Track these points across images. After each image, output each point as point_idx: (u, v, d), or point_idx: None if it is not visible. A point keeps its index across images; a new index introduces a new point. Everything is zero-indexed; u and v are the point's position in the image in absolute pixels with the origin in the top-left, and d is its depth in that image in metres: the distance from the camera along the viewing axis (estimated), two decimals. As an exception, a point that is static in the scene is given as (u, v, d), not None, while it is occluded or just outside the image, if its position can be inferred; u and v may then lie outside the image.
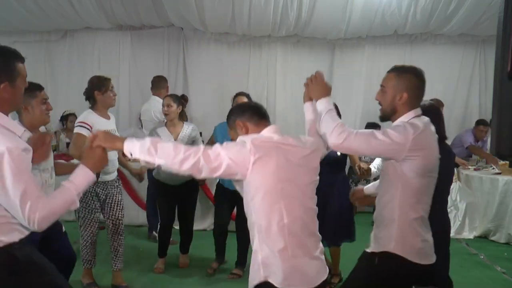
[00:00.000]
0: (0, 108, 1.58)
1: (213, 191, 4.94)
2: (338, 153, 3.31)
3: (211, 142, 3.93)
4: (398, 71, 2.02)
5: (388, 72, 2.04)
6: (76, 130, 3.13)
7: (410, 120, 1.92)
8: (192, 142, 3.77)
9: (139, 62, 6.07)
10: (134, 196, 5.13)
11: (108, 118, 3.33)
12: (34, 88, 2.31)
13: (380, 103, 2.03)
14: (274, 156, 1.64)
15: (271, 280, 1.65)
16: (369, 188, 2.51)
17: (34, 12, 5.36)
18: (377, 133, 1.84)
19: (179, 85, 6.05)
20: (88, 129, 3.10)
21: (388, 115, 2.01)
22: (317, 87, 1.95)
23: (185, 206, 3.91)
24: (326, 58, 6.18)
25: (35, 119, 2.36)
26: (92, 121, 3.15)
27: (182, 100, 3.98)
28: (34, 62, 6.17)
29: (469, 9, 5.08)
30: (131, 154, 1.61)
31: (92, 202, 3.25)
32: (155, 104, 4.71)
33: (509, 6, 1.37)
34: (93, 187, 3.19)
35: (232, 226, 3.93)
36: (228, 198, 3.69)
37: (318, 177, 1.82)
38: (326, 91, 1.94)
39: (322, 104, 1.91)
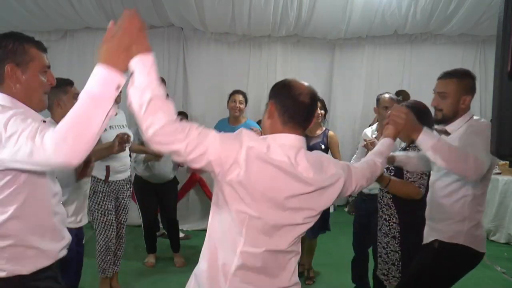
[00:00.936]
0: (18, 98, 1.41)
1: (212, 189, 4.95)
2: (322, 146, 3.37)
3: None
4: (458, 76, 2.09)
5: (444, 78, 2.12)
6: None
7: (472, 121, 2.05)
8: None
9: (139, 62, 6.06)
10: (133, 196, 5.13)
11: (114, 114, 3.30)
12: (65, 83, 2.29)
13: (437, 108, 2.12)
14: (260, 181, 1.30)
15: None
16: (402, 159, 2.39)
17: (34, 12, 5.36)
18: (476, 146, 1.86)
19: (179, 85, 6.05)
20: None
21: (449, 119, 2.10)
22: (411, 124, 1.84)
23: (167, 203, 3.94)
24: (326, 58, 6.18)
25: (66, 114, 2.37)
26: None
27: None
28: (34, 62, 6.18)
29: (469, 9, 5.08)
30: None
31: (104, 203, 3.14)
32: None
33: (509, 6, 1.37)
34: (104, 187, 3.14)
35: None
36: None
37: (306, 222, 1.42)
38: (418, 125, 1.85)
39: (431, 139, 1.81)
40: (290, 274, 1.42)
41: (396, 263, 2.47)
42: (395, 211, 2.47)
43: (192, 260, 4.11)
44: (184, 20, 5.60)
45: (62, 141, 1.11)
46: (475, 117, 2.11)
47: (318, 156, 1.46)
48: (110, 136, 2.92)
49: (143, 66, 1.20)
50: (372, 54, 6.10)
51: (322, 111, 3.38)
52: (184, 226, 4.97)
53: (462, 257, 2.11)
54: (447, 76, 2.11)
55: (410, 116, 1.85)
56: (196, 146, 1.23)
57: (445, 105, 2.08)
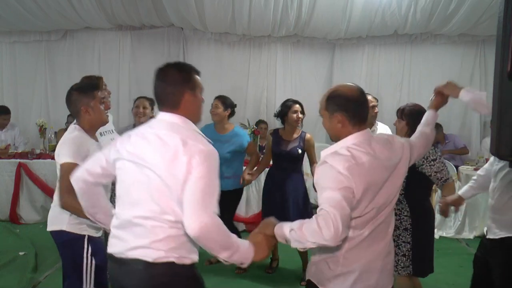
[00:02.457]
0: (189, 119, 1.65)
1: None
2: (299, 151, 3.40)
3: None
4: None
5: None
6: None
7: None
8: None
9: (139, 62, 6.06)
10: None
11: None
12: (91, 88, 2.19)
13: None
14: (362, 181, 1.55)
15: None
16: (466, 193, 2.66)
17: (34, 12, 5.36)
18: None
19: (179, 85, 6.05)
20: None
21: None
22: (452, 86, 1.98)
23: None
24: (326, 58, 6.18)
25: (95, 120, 2.20)
26: None
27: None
28: (34, 62, 6.18)
29: (469, 9, 5.08)
30: (286, 241, 1.61)
31: None
32: None
33: (509, 6, 1.37)
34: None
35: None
36: (221, 199, 3.58)
37: (396, 196, 1.70)
38: (458, 87, 1.99)
39: (468, 94, 1.92)
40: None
41: (407, 254, 2.61)
42: (406, 205, 2.60)
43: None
44: (184, 20, 5.60)
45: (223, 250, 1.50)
46: None
47: (383, 135, 1.74)
48: (102, 141, 2.77)
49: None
50: (372, 54, 6.10)
51: (301, 115, 3.42)
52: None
53: None
54: None
55: (450, 82, 2.01)
56: (347, 214, 1.50)
57: None
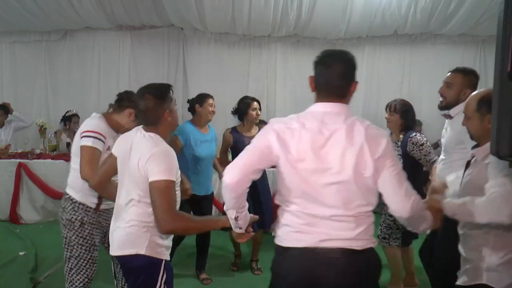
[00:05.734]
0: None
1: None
2: None
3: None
4: (464, 72, 2.50)
5: (453, 72, 2.52)
6: (89, 143, 2.31)
7: None
8: None
9: (139, 62, 6.07)
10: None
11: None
12: (168, 90, 2.06)
13: (442, 96, 2.53)
14: None
15: None
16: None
17: (34, 12, 5.36)
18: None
19: (179, 85, 6.05)
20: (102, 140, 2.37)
21: (451, 106, 2.48)
22: None
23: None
24: (326, 58, 6.17)
25: (174, 123, 2.09)
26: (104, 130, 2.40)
27: None
28: (34, 62, 6.18)
29: (469, 9, 5.08)
30: (453, 214, 1.75)
31: (92, 236, 2.41)
32: None
33: (509, 6, 1.36)
34: (95, 217, 2.43)
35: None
36: (190, 204, 3.30)
37: None
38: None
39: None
40: None
41: (400, 227, 2.88)
42: None
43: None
44: (184, 20, 5.60)
45: None
46: None
47: None
48: None
49: None
50: (372, 54, 6.10)
51: (259, 112, 3.61)
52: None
53: None
54: (455, 70, 2.52)
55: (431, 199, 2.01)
56: None
57: (449, 94, 2.48)
